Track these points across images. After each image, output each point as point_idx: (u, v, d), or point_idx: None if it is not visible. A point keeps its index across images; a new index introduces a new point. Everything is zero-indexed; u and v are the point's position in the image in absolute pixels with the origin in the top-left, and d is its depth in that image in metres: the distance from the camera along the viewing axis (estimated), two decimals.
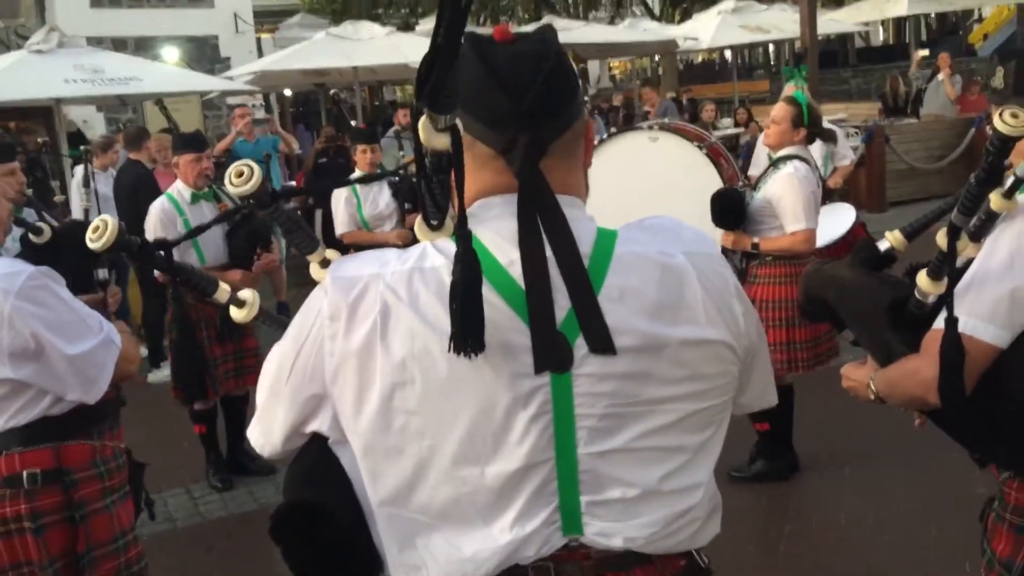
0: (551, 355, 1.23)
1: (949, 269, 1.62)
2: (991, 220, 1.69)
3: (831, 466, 4.75)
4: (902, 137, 12.19)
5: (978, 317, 1.70)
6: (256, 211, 2.93)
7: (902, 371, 1.83)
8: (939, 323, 1.72)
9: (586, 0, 24.21)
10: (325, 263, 1.53)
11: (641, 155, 5.89)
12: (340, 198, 5.99)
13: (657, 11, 25.32)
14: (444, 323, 1.21)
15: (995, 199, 1.63)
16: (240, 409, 5.14)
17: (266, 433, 1.41)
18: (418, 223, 1.44)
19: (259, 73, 13.42)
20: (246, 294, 1.73)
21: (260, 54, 17.89)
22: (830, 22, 18.44)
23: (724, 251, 4.65)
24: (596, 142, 6.10)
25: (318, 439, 1.38)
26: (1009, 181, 1.63)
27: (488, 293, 1.22)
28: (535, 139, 1.25)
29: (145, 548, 2.75)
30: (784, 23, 16.46)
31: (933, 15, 25.66)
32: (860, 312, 1.91)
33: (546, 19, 17.18)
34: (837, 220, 5.74)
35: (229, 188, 1.49)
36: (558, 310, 1.23)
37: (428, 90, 1.15)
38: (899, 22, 25.37)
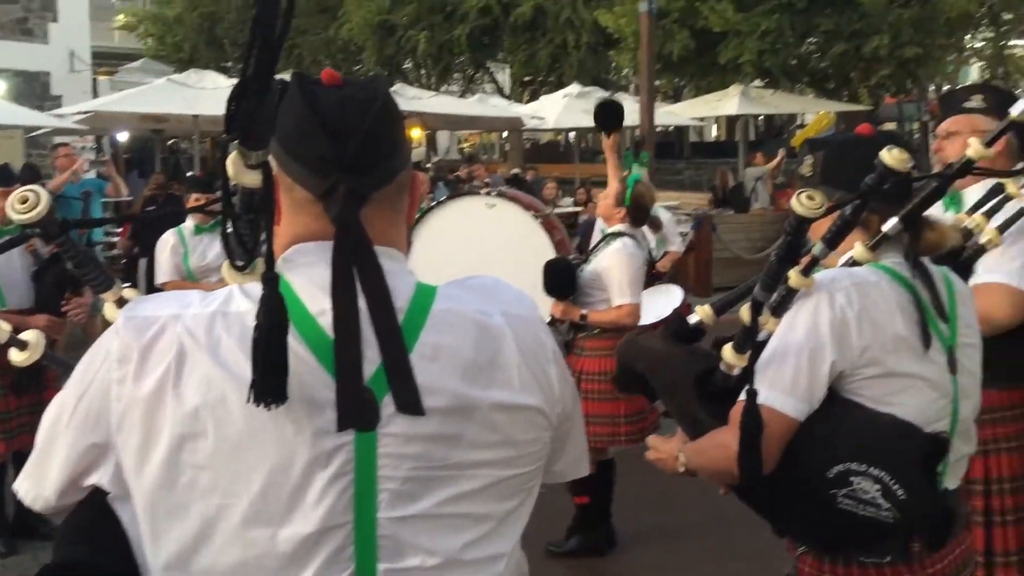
0: (356, 412, 1.16)
1: (751, 342, 1.68)
2: (790, 296, 1.77)
3: (649, 541, 4.82)
4: (728, 227, 12.87)
5: (778, 390, 1.76)
6: (44, 241, 2.68)
7: (710, 444, 1.86)
8: (743, 395, 1.77)
9: (439, 73, 24.60)
10: (121, 303, 1.43)
11: (477, 220, 5.95)
12: (166, 245, 5.73)
13: (507, 90, 26.02)
14: (245, 372, 1.14)
15: (793, 276, 1.71)
16: None
17: (38, 485, 1.29)
18: (225, 265, 1.37)
19: (92, 113, 12.85)
20: (29, 335, 1.59)
21: (96, 96, 17.18)
22: (667, 114, 19.43)
23: (553, 321, 4.72)
24: (433, 203, 6.14)
25: (97, 494, 1.27)
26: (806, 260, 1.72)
27: (294, 343, 1.16)
28: (356, 187, 1.21)
29: None
30: (626, 112, 17.18)
31: (761, 117, 27.48)
32: (670, 383, 1.95)
33: (397, 87, 17.32)
34: (665, 300, 5.96)
35: (11, 215, 1.37)
36: (367, 365, 1.16)
37: (237, 124, 1.11)
38: (730, 121, 27.03)
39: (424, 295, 1.27)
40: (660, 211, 7.23)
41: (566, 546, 4.68)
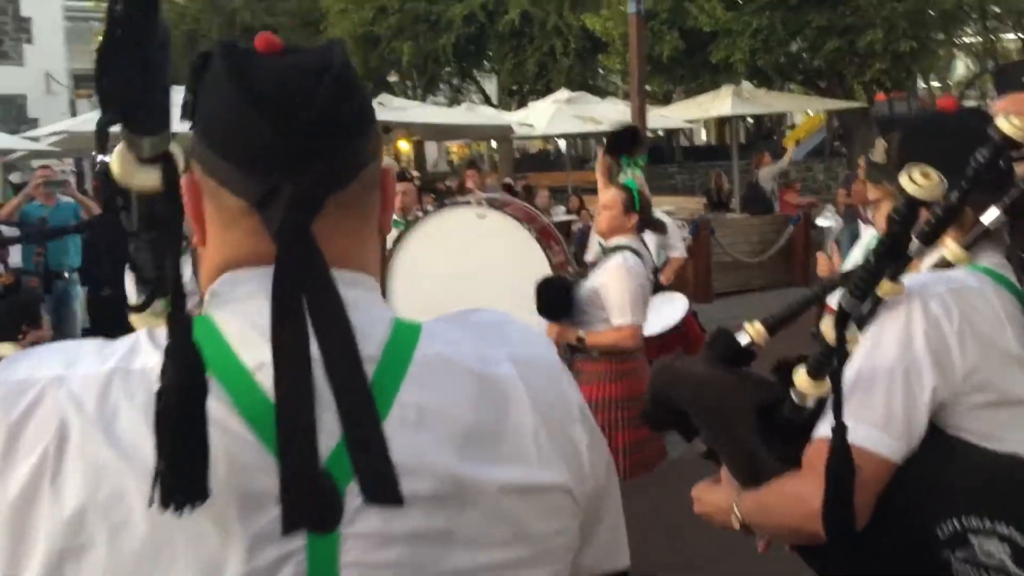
0: (308, 507, 0.80)
1: (838, 364, 1.29)
2: (876, 307, 1.39)
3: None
4: (725, 231, 12.57)
5: (869, 424, 1.37)
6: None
7: (781, 495, 1.46)
8: (820, 431, 1.39)
9: (425, 84, 24.33)
10: None
11: (466, 234, 5.42)
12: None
13: (495, 99, 25.76)
14: (151, 456, 0.79)
15: (884, 284, 1.33)
16: None
17: None
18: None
19: (66, 135, 12.44)
20: None
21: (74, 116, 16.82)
22: (659, 118, 19.14)
23: None
24: (420, 215, 5.67)
25: None
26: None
27: (221, 411, 0.82)
28: (306, 187, 0.85)
29: None
30: (616, 116, 16.89)
31: (751, 120, 27.24)
32: (717, 417, 1.56)
33: (382, 98, 17.00)
34: (669, 309, 5.60)
35: None
36: (324, 438, 0.82)
37: (111, 96, 0.77)
38: (720, 124, 26.79)
39: (404, 336, 0.91)
40: (662, 216, 6.92)
41: None
